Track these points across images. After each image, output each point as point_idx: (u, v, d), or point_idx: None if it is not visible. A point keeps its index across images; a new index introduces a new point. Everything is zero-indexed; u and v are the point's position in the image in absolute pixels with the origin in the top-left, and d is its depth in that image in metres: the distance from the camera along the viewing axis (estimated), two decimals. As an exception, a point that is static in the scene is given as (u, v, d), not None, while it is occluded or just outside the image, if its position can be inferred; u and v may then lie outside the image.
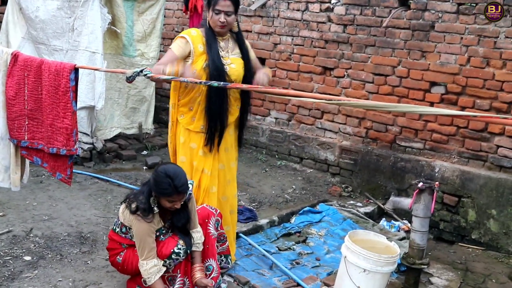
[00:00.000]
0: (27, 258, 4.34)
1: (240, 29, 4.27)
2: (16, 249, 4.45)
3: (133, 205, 3.60)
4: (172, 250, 3.68)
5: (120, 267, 3.85)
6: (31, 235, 4.74)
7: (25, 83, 3.75)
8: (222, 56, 4.05)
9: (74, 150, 3.79)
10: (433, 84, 6.29)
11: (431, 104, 6.25)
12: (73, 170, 6.21)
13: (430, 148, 6.38)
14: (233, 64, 4.12)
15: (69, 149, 3.78)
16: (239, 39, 4.23)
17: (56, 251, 4.51)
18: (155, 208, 3.62)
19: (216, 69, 3.96)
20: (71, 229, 4.96)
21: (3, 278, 3.99)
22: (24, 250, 4.45)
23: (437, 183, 4.46)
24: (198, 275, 3.81)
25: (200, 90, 4.10)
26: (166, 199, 3.57)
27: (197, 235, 3.89)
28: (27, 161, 4.20)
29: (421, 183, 4.38)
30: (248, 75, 4.20)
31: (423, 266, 4.53)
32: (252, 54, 4.39)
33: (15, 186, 4.11)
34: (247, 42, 4.33)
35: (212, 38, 4.05)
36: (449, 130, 6.20)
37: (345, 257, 4.22)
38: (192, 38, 4.04)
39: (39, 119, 3.84)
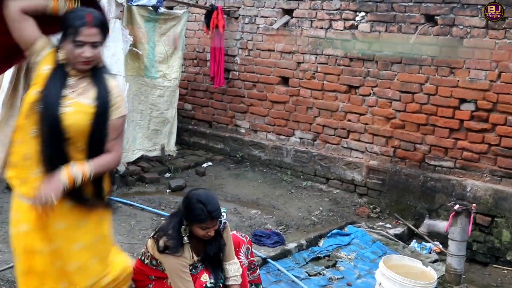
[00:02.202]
0: (52, 287, 4.22)
1: (105, 65, 3.10)
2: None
3: (161, 242, 3.44)
4: (204, 286, 3.52)
5: (148, 299, 3.72)
6: (55, 263, 4.62)
7: None
8: (63, 95, 2.87)
9: None
10: (463, 101, 6.12)
11: (461, 121, 6.08)
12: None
13: (460, 166, 6.20)
14: (72, 107, 2.87)
15: None
16: (98, 80, 2.97)
17: (81, 280, 4.39)
18: (185, 238, 3.48)
19: (46, 107, 2.83)
20: (95, 256, 4.83)
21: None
22: (48, 279, 4.33)
23: (474, 205, 4.31)
24: None
25: None
26: (199, 226, 3.42)
27: (234, 267, 3.73)
28: None
29: (457, 206, 4.24)
30: (97, 133, 2.95)
31: (461, 292, 4.35)
32: (118, 115, 3.02)
33: None
34: (116, 93, 3.03)
35: (61, 70, 2.92)
36: (480, 148, 6.03)
37: (380, 283, 4.06)
38: (49, 51, 2.95)
39: None
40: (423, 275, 4.20)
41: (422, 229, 4.67)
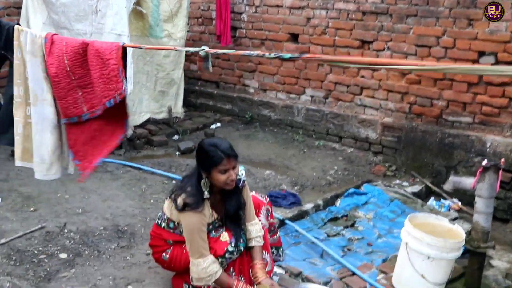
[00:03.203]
0: (63, 255, 4.08)
1: None
2: (50, 247, 4.19)
3: (179, 200, 3.26)
4: (225, 248, 3.35)
5: (167, 264, 3.56)
6: (65, 230, 4.47)
7: (65, 57, 3.38)
8: None
9: (123, 91, 3.28)
10: (482, 54, 5.87)
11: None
12: (104, 159, 6.01)
13: (480, 122, 5.99)
14: None
15: (120, 92, 3.28)
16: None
17: (93, 247, 4.25)
18: (206, 193, 3.30)
19: None
20: (106, 222, 4.69)
21: (39, 279, 3.73)
22: (59, 247, 4.19)
23: (502, 160, 4.10)
24: (260, 274, 3.47)
25: None
26: (218, 170, 3.23)
27: (257, 227, 3.57)
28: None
29: (485, 161, 4.02)
30: None
31: (488, 250, 4.18)
32: None
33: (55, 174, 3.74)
34: None
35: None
36: (500, 102, 5.81)
37: (406, 243, 3.90)
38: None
39: (91, 84, 3.43)
40: (449, 233, 4.03)
41: (446, 186, 4.47)
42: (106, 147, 3.52)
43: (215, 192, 3.39)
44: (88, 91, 3.42)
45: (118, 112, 3.39)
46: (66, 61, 3.35)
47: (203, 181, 3.30)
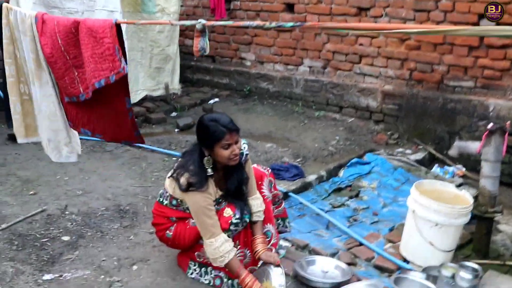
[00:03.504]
0: (66, 238, 4.00)
1: None
2: (52, 230, 4.11)
3: (183, 180, 3.17)
4: (230, 221, 3.27)
5: (171, 242, 3.49)
6: (67, 212, 4.40)
7: (58, 36, 3.28)
8: None
9: (122, 70, 3.14)
10: (482, 16, 5.74)
11: (481, 38, 5.75)
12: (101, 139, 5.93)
13: (482, 86, 5.90)
14: None
15: (117, 71, 3.15)
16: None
17: (96, 228, 4.17)
18: (209, 170, 3.21)
19: None
20: (108, 202, 4.61)
21: (42, 263, 3.66)
22: (61, 230, 4.11)
23: (508, 122, 4.01)
24: (260, 248, 3.41)
25: None
26: (221, 146, 3.13)
27: (258, 202, 3.49)
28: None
29: (491, 124, 3.95)
30: None
31: (496, 215, 4.12)
32: None
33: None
34: None
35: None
36: (502, 65, 5.71)
37: (413, 211, 3.84)
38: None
39: (83, 64, 3.33)
40: (456, 199, 3.97)
41: (452, 152, 4.40)
42: (120, 125, 3.45)
43: (218, 169, 3.30)
44: (83, 71, 3.33)
45: (118, 92, 3.30)
46: (60, 41, 3.25)
47: (205, 158, 3.21)
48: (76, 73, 3.34)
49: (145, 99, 7.12)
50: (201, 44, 2.75)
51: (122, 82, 3.25)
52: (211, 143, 3.15)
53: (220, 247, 3.16)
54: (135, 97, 6.78)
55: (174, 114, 7.26)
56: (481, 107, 5.82)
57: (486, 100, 5.82)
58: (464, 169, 5.74)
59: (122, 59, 3.08)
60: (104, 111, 3.43)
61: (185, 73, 8.38)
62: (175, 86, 7.45)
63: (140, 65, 6.86)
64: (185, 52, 8.41)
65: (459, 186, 5.16)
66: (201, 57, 8.32)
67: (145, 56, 6.90)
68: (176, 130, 6.64)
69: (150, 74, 7.03)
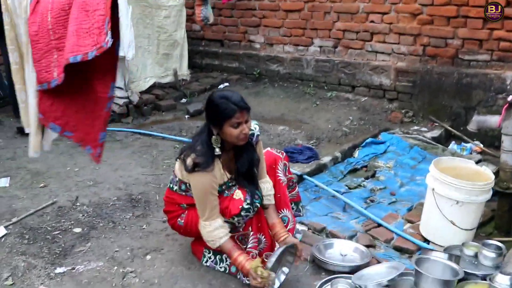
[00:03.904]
0: (77, 230, 3.92)
1: None
2: (63, 222, 4.03)
3: (189, 161, 3.07)
4: (241, 206, 3.16)
5: (183, 229, 3.40)
6: (78, 204, 4.32)
7: (49, 14, 3.15)
8: None
9: (105, 44, 2.87)
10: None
11: (496, 7, 5.54)
12: (112, 128, 5.84)
13: (498, 58, 5.74)
14: None
15: (100, 45, 2.89)
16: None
17: (107, 218, 4.09)
18: (217, 149, 3.11)
19: None
20: (119, 192, 4.53)
21: (54, 256, 3.58)
22: (72, 222, 4.03)
23: (529, 94, 3.87)
24: (282, 232, 3.31)
25: None
26: (230, 124, 3.02)
27: (268, 185, 3.37)
28: None
29: (511, 96, 3.81)
30: None
31: (518, 191, 3.99)
32: None
33: (35, 152, 3.57)
34: None
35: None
36: (518, 36, 5.55)
37: (433, 189, 3.72)
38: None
39: (66, 40, 3.12)
40: (477, 175, 3.84)
41: (470, 127, 4.26)
42: (96, 118, 3.29)
43: (227, 149, 3.19)
44: (63, 54, 3.17)
45: (103, 75, 3.15)
46: (49, 19, 3.11)
47: (214, 137, 3.10)
48: (56, 56, 3.17)
49: (154, 86, 7.01)
50: (203, 13, 2.62)
51: (111, 66, 3.12)
52: (221, 121, 3.03)
53: (213, 232, 3.10)
54: (143, 84, 6.69)
55: (184, 100, 7.17)
56: (498, 80, 5.66)
57: (503, 73, 5.67)
58: (482, 145, 5.60)
59: (109, 32, 2.92)
60: (83, 99, 3.26)
61: (193, 59, 8.26)
62: (184, 72, 7.33)
63: (148, 52, 6.74)
64: (193, 38, 8.31)
65: (477, 162, 5.04)
66: (209, 41, 8.24)
67: (152, 43, 6.77)
68: (186, 116, 6.55)
69: (158, 61, 6.92)
